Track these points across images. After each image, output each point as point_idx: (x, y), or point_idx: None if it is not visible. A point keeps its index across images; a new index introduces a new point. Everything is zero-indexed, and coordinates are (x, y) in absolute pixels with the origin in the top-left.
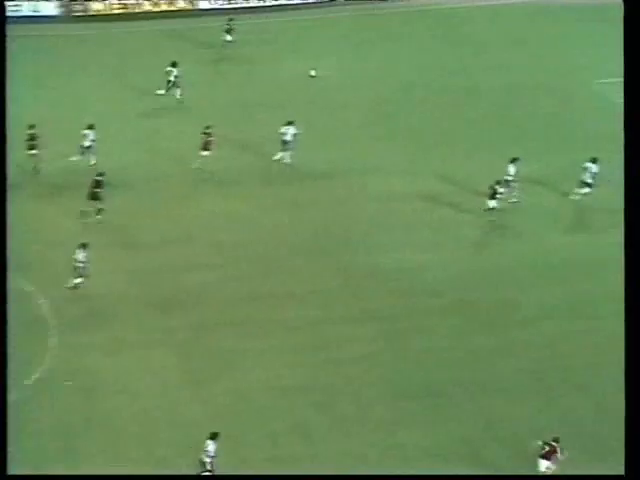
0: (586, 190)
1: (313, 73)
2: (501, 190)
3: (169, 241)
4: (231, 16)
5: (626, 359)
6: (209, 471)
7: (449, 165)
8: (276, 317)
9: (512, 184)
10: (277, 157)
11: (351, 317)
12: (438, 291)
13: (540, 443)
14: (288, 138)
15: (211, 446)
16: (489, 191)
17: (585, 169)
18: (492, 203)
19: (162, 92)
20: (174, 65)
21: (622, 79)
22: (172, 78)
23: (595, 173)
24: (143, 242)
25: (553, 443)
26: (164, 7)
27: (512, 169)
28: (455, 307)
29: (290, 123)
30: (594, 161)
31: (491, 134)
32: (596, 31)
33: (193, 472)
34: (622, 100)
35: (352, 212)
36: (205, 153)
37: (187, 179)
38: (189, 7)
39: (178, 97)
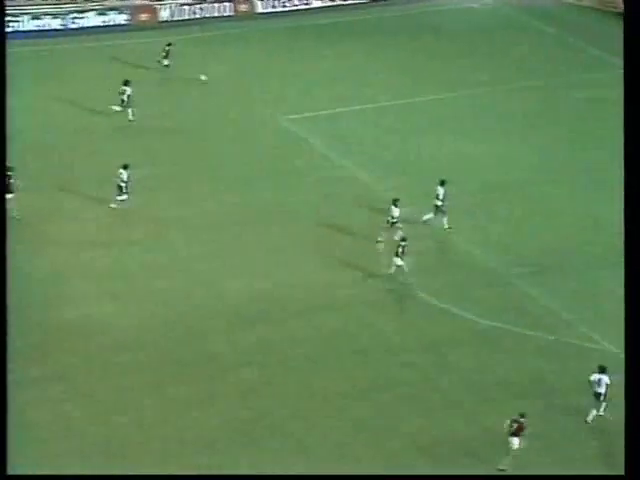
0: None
1: (203, 78)
2: (403, 244)
3: None
4: (170, 41)
5: (626, 360)
6: None
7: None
8: None
9: (397, 225)
10: (116, 203)
11: (31, 379)
12: (129, 345)
13: (508, 422)
14: (121, 183)
15: None
16: (396, 249)
17: (436, 192)
18: (398, 261)
19: (118, 109)
20: (126, 84)
21: (311, 114)
22: (125, 97)
23: (444, 195)
24: None
25: (520, 419)
26: None
27: (396, 212)
28: (149, 361)
29: (125, 167)
30: (442, 184)
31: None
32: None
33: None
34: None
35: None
36: (9, 196)
37: None
38: None
39: (131, 117)
